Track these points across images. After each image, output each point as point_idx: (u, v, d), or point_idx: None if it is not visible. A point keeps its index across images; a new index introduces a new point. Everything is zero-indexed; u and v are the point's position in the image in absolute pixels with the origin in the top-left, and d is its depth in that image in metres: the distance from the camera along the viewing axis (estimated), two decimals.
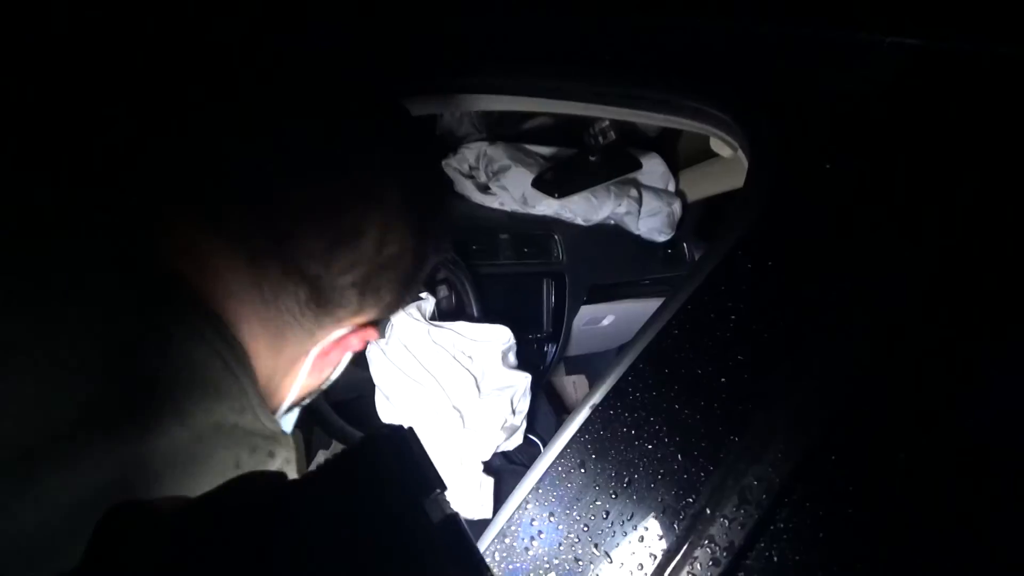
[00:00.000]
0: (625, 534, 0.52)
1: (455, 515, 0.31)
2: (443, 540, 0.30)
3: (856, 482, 0.48)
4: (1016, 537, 0.46)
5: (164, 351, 0.44)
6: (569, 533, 0.54)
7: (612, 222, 1.33)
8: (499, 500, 1.03)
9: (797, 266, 0.56)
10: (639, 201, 1.32)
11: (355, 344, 0.59)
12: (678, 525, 0.51)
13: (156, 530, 0.29)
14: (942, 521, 0.47)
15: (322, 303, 0.53)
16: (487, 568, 0.30)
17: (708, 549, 0.49)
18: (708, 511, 0.50)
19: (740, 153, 0.69)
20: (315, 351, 0.57)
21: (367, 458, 0.31)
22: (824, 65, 0.66)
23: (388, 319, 0.65)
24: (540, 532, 0.55)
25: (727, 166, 1.28)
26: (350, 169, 0.51)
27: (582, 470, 0.55)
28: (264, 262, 0.50)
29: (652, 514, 0.52)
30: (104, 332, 0.43)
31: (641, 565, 0.51)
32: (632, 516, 0.52)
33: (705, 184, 1.41)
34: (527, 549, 0.55)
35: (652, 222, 1.34)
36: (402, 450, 0.32)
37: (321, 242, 0.50)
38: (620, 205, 1.29)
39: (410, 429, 0.33)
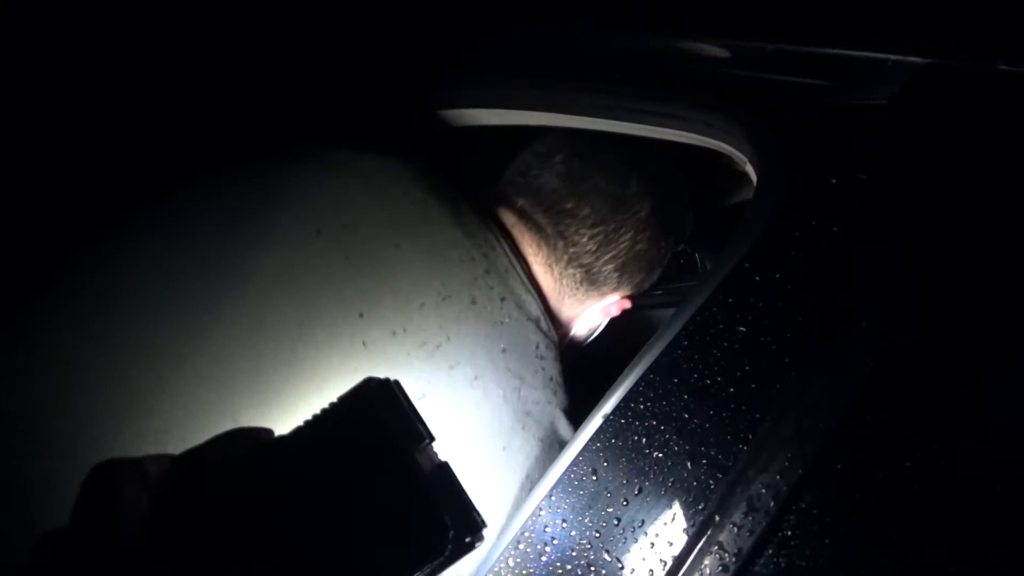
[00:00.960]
0: (636, 540, 0.53)
1: (445, 464, 0.32)
2: (436, 486, 0.31)
3: (862, 489, 0.49)
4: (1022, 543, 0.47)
5: (508, 288, 0.72)
6: (581, 539, 0.55)
7: None
8: None
9: (803, 278, 0.57)
10: None
11: (614, 311, 0.87)
12: (688, 532, 0.52)
13: (142, 488, 0.30)
14: (948, 528, 0.48)
15: (591, 282, 0.80)
16: (479, 514, 0.31)
17: (717, 556, 0.50)
18: (717, 518, 0.51)
19: (749, 167, 0.70)
20: (586, 316, 0.84)
21: (356, 410, 0.32)
22: (830, 82, 0.67)
23: (640, 293, 0.91)
24: (553, 539, 0.56)
25: (740, 178, 1.29)
26: (612, 192, 0.78)
27: (594, 477, 0.56)
28: (555, 252, 0.78)
29: (662, 521, 0.53)
30: (484, 296, 0.69)
31: (652, 571, 0.52)
32: (643, 523, 0.54)
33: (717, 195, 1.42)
34: (541, 555, 0.56)
35: None
36: (391, 402, 0.32)
37: (592, 243, 0.78)
38: None
39: (396, 382, 0.33)
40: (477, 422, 0.63)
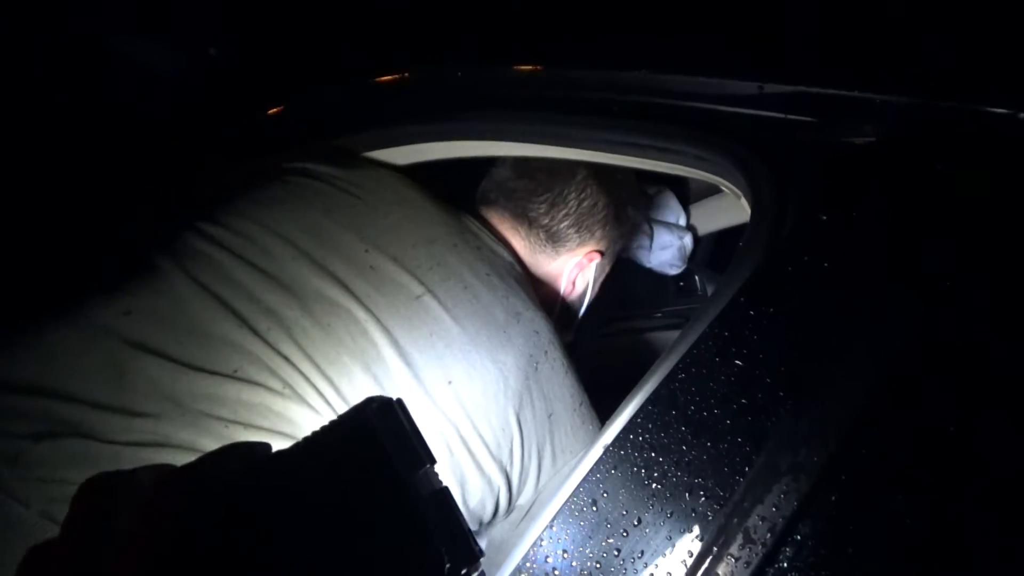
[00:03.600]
0: (636, 572, 0.54)
1: (445, 489, 0.31)
2: (432, 514, 0.30)
3: (857, 522, 0.50)
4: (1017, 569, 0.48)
5: (482, 242, 0.87)
6: (582, 570, 0.56)
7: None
8: None
9: (797, 312, 0.59)
10: (651, 235, 1.35)
11: (586, 263, 1.02)
12: (686, 563, 0.53)
13: (134, 502, 0.29)
14: (941, 560, 0.49)
15: (554, 239, 0.98)
16: (476, 542, 0.30)
17: None
18: (715, 549, 0.52)
19: (743, 200, 0.72)
20: (565, 271, 1.01)
21: (357, 431, 0.31)
22: (820, 119, 0.69)
23: (611, 249, 1.06)
24: (555, 569, 0.57)
25: (737, 201, 1.31)
26: (548, 167, 0.97)
27: (594, 508, 0.57)
28: (519, 220, 0.97)
29: (661, 552, 0.54)
30: (464, 242, 0.84)
31: None
32: (642, 554, 0.55)
33: (716, 217, 1.44)
34: None
35: (664, 255, 1.36)
36: (393, 423, 0.31)
37: (544, 206, 0.97)
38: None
39: (399, 401, 0.32)
40: (476, 313, 0.76)
